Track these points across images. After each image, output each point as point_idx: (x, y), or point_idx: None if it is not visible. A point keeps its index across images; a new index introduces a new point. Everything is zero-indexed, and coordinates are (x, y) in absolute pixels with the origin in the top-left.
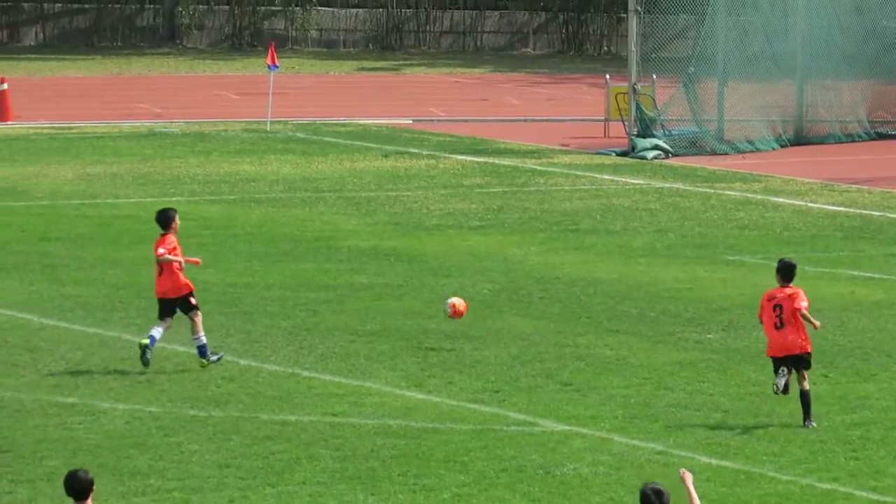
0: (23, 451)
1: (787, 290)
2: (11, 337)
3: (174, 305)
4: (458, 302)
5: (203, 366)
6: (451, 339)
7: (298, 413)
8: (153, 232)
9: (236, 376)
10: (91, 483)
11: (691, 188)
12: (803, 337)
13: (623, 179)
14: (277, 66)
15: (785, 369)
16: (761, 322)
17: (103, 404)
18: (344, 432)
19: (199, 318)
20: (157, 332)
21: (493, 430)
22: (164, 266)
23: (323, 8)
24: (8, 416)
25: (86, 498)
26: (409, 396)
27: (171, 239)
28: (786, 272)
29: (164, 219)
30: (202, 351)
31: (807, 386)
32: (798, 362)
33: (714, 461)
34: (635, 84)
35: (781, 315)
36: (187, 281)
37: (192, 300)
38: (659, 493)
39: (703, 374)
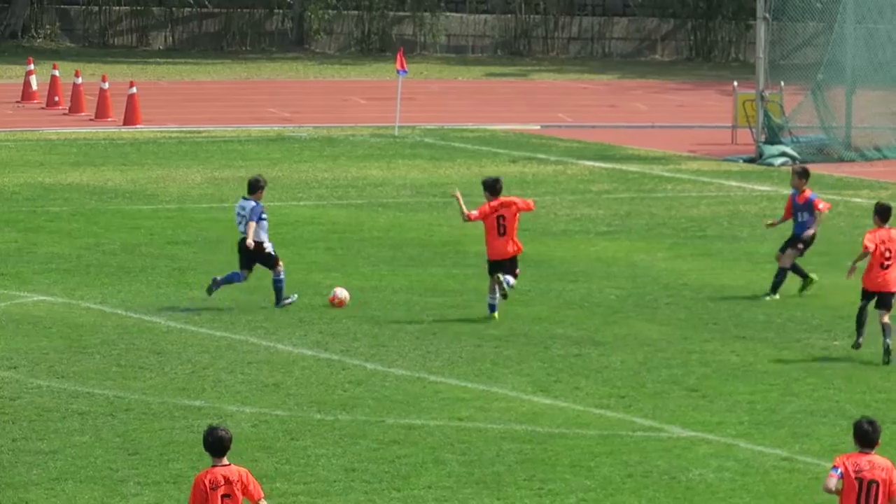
0: (150, 453)
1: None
2: (139, 340)
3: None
4: (340, 292)
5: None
6: (578, 344)
7: (425, 417)
8: (281, 235)
9: (363, 380)
10: (230, 440)
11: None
12: None
13: (750, 186)
14: (406, 71)
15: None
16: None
17: (230, 407)
18: (470, 437)
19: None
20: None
21: (619, 436)
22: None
23: (451, 14)
24: (135, 418)
25: (222, 455)
26: (536, 401)
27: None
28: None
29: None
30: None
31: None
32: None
33: None
34: (763, 91)
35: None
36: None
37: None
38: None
39: (829, 381)
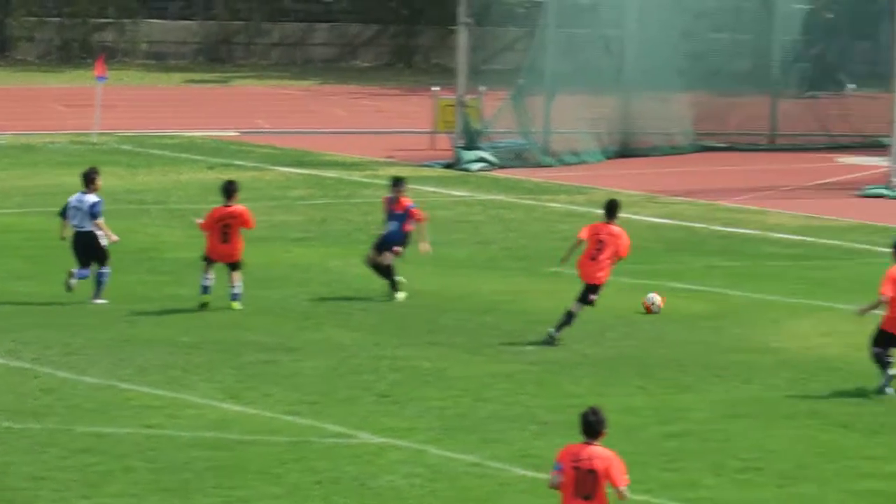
0: None
1: None
2: None
3: None
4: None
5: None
6: (270, 350)
7: (115, 425)
8: None
9: (55, 388)
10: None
11: (516, 200)
12: None
13: (447, 191)
14: (106, 78)
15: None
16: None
17: None
18: (159, 444)
19: None
20: None
21: (309, 442)
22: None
23: (154, 21)
24: None
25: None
26: (226, 408)
27: None
28: None
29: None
30: None
31: None
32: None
33: (530, 473)
34: (462, 96)
35: None
36: None
37: None
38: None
39: (520, 386)
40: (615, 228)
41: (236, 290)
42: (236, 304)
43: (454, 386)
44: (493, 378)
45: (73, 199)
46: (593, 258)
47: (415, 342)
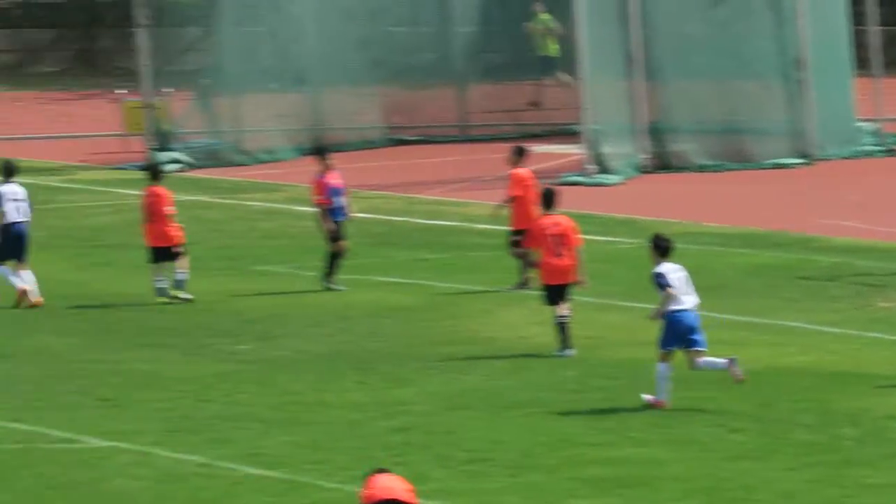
0: None
1: None
2: None
3: None
4: None
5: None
6: None
7: None
8: None
9: None
10: None
11: (215, 200)
12: None
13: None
14: None
15: None
16: None
17: None
18: None
19: None
20: None
21: (37, 448)
22: None
23: None
24: None
25: None
26: None
27: None
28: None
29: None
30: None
31: None
32: None
33: (259, 471)
34: (149, 98)
35: None
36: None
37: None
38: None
39: (240, 386)
40: None
41: None
42: None
43: (174, 387)
44: (212, 378)
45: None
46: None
47: (129, 345)
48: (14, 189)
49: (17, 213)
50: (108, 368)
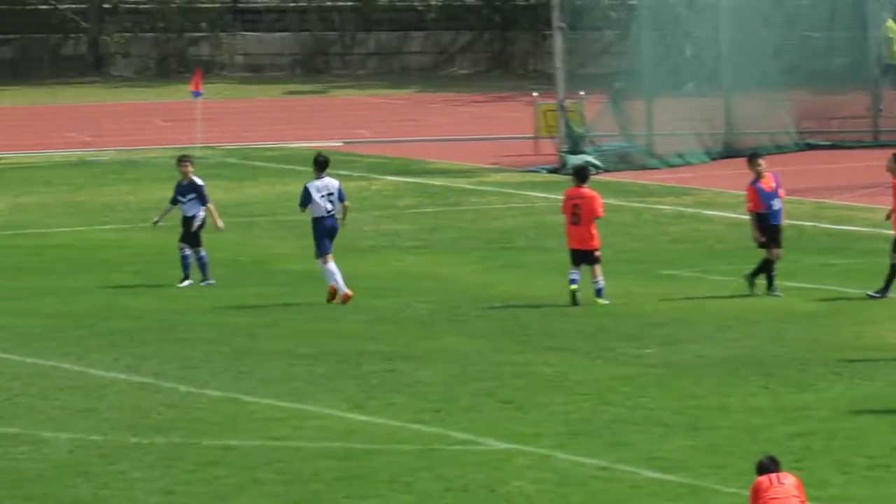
0: None
1: None
2: None
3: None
4: None
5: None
6: (390, 360)
7: (240, 438)
8: (87, 260)
9: (177, 403)
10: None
11: (623, 203)
12: None
13: (555, 196)
14: (201, 93)
15: None
16: None
17: (46, 434)
18: (286, 456)
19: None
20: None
21: (436, 450)
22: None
23: (248, 33)
24: None
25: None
26: (351, 418)
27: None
28: None
29: None
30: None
31: None
32: None
33: (658, 475)
34: (563, 101)
35: None
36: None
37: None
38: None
39: (642, 389)
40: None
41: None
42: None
43: (576, 390)
44: (615, 381)
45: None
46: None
47: (534, 347)
48: (326, 183)
49: (328, 206)
50: (512, 370)
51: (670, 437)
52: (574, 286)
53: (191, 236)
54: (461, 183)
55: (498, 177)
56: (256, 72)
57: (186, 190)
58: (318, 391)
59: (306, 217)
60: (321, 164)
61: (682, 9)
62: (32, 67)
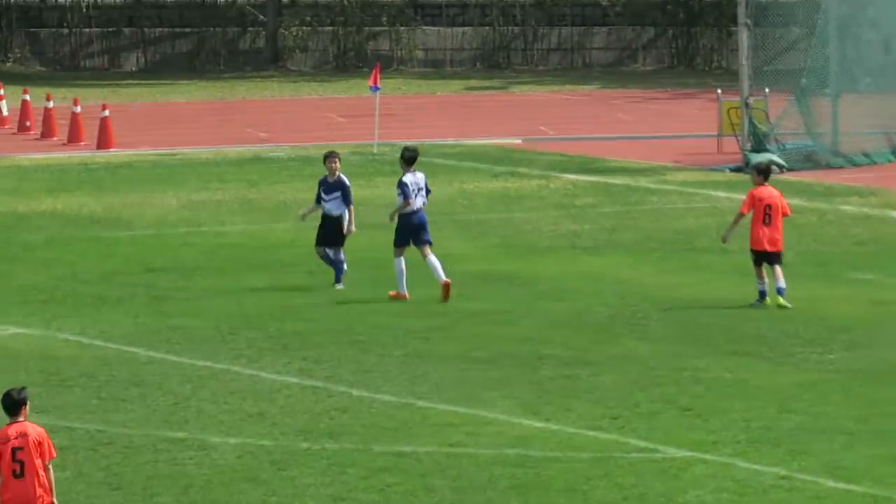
0: (133, 488)
1: None
2: (118, 371)
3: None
4: None
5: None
6: (568, 364)
7: (414, 444)
8: (261, 259)
9: (349, 407)
10: (23, 400)
11: (807, 204)
12: None
13: (738, 196)
14: (379, 88)
15: None
16: None
17: (214, 439)
18: (460, 463)
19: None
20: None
21: (613, 458)
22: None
23: (428, 27)
24: (117, 452)
25: (16, 413)
26: (526, 424)
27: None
28: None
29: None
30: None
31: None
32: None
33: (841, 485)
34: (747, 98)
35: None
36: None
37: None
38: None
39: (826, 396)
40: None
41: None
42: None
43: (757, 397)
44: (797, 388)
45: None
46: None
47: (715, 352)
48: (417, 178)
49: (420, 202)
50: (692, 376)
51: (854, 445)
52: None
53: (336, 237)
54: (642, 182)
55: (680, 175)
56: (436, 67)
57: (332, 188)
58: (494, 396)
59: (485, 216)
60: (410, 159)
61: (868, 6)
62: (209, 61)
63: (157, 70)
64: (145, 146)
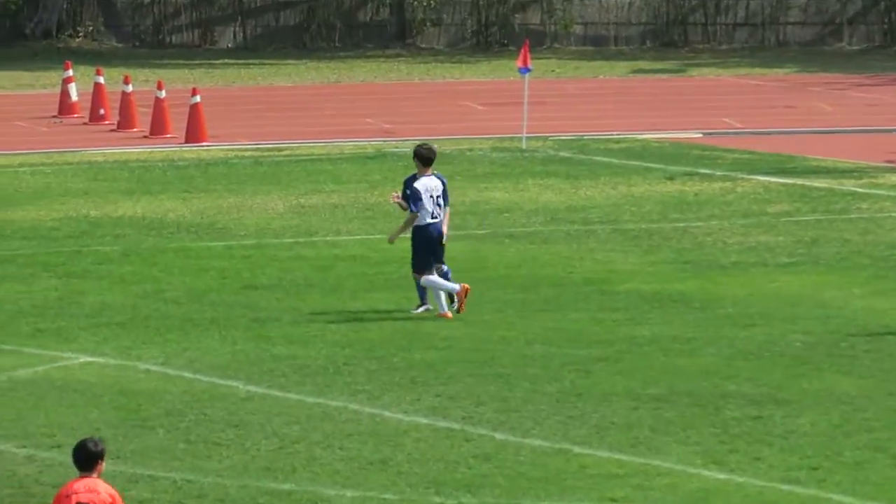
0: None
1: None
2: (212, 409)
3: None
4: None
5: None
6: (757, 404)
7: (570, 498)
8: (384, 275)
9: (491, 454)
10: (99, 453)
11: None
12: None
13: None
14: (530, 69)
15: None
16: None
17: (327, 491)
18: None
19: None
20: None
21: None
22: None
23: None
24: None
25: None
26: (707, 476)
27: None
28: None
29: None
30: None
31: None
32: None
33: None
34: None
35: None
36: None
37: None
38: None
39: None
40: None
41: None
42: None
43: None
44: None
45: (428, 184)
46: None
47: None
48: (434, 182)
49: (435, 211)
50: None
51: None
52: None
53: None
54: (848, 185)
55: (894, 178)
56: (597, 45)
57: None
58: (668, 442)
59: (657, 225)
60: (427, 158)
61: None
62: (321, 37)
63: (258, 47)
64: (244, 139)
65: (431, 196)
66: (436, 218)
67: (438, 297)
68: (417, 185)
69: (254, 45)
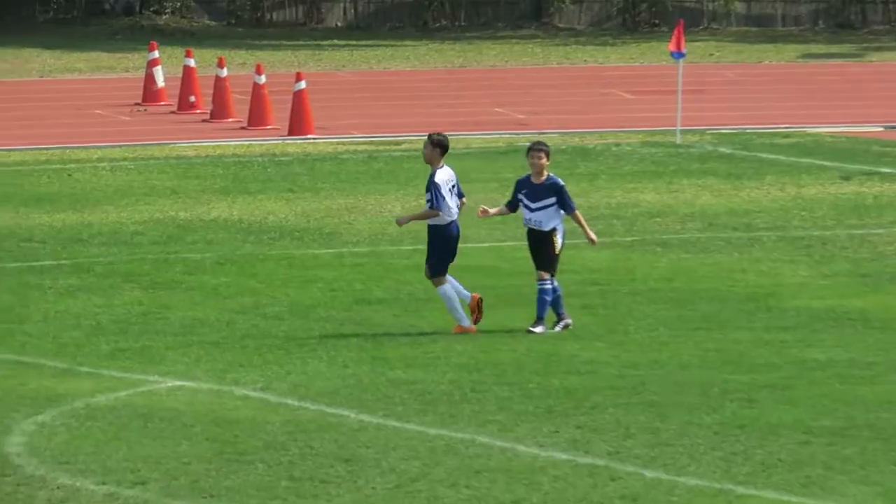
0: None
1: None
2: (319, 442)
3: None
4: None
5: None
6: None
7: None
8: (514, 290)
9: (640, 495)
10: None
11: None
12: None
13: None
14: (684, 53)
15: None
16: None
17: None
18: None
19: None
20: None
21: None
22: None
23: None
24: None
25: None
26: None
27: None
28: None
29: None
30: None
31: None
32: None
33: None
34: None
35: None
36: None
37: None
38: None
39: None
40: None
41: None
42: None
43: None
44: None
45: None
46: None
47: None
48: (451, 174)
49: (456, 206)
50: None
51: None
52: None
53: (545, 259)
54: None
55: None
56: (762, 25)
57: (541, 192)
58: (844, 481)
59: (832, 232)
60: (447, 147)
61: None
62: (443, 15)
63: (372, 26)
64: (355, 131)
65: (450, 189)
66: (456, 214)
67: (454, 309)
68: (437, 179)
69: (366, 23)
